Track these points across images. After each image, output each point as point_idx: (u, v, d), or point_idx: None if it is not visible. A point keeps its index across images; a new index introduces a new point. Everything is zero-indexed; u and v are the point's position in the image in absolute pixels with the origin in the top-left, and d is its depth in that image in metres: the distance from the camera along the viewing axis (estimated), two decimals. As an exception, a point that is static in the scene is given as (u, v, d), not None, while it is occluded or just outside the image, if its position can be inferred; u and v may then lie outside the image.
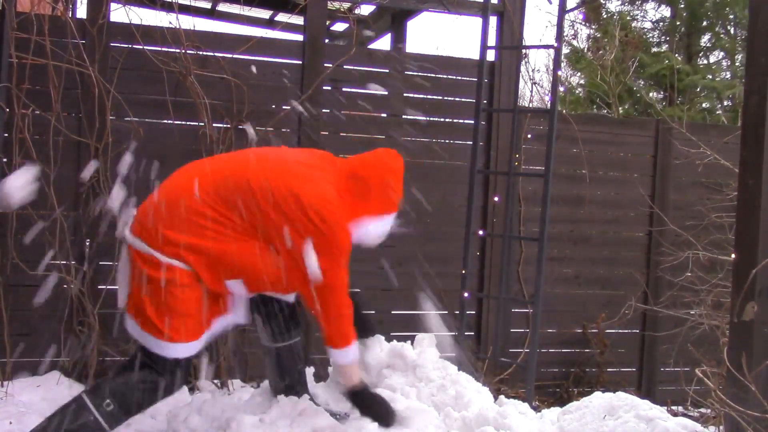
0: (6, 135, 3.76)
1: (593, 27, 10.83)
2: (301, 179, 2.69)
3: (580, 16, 10.69)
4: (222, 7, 6.01)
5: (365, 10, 5.71)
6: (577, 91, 11.22)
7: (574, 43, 11.23)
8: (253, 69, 4.16)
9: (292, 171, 2.72)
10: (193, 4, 4.32)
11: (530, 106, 9.29)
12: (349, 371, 2.91)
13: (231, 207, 2.63)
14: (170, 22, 3.99)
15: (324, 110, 4.37)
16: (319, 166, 2.81)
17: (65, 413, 2.56)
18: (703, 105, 10.63)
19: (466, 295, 4.17)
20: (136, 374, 2.62)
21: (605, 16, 10.98)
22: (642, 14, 11.57)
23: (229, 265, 2.66)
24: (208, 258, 2.64)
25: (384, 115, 4.68)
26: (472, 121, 4.32)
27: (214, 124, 4.09)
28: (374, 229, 2.85)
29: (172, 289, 2.60)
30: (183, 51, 3.99)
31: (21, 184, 2.58)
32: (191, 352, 2.67)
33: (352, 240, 2.77)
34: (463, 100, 4.63)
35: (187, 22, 4.02)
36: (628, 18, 11.11)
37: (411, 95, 4.61)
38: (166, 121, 4.05)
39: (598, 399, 3.32)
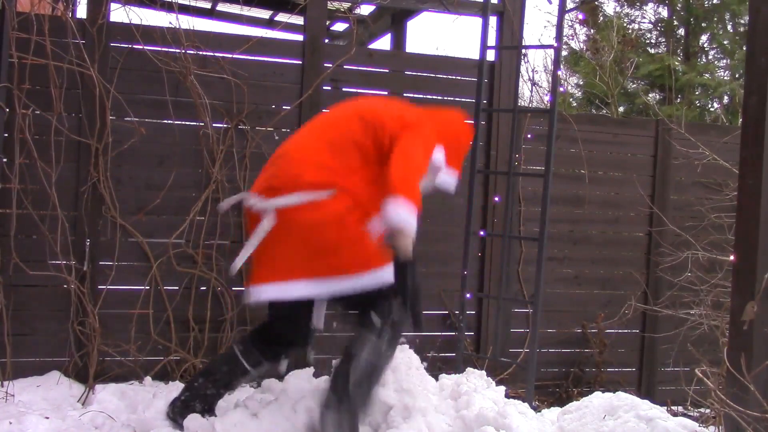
0: (6, 135, 3.76)
1: (592, 29, 10.81)
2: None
3: (580, 17, 10.66)
4: (222, 7, 6.00)
5: (365, 10, 5.71)
6: (575, 94, 11.22)
7: (572, 44, 11.22)
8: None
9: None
10: (193, 4, 4.32)
11: (530, 106, 9.28)
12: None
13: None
14: (170, 22, 4.00)
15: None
16: None
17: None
18: (700, 103, 10.62)
19: (467, 295, 4.18)
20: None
21: (602, 19, 10.96)
22: (641, 15, 11.58)
23: None
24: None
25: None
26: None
27: (214, 124, 4.10)
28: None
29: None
30: (183, 51, 4.00)
31: None
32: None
33: None
34: (463, 100, 4.63)
35: (187, 22, 4.02)
36: (624, 21, 11.10)
37: (411, 95, 4.61)
38: (166, 121, 4.05)
39: (598, 399, 3.33)
